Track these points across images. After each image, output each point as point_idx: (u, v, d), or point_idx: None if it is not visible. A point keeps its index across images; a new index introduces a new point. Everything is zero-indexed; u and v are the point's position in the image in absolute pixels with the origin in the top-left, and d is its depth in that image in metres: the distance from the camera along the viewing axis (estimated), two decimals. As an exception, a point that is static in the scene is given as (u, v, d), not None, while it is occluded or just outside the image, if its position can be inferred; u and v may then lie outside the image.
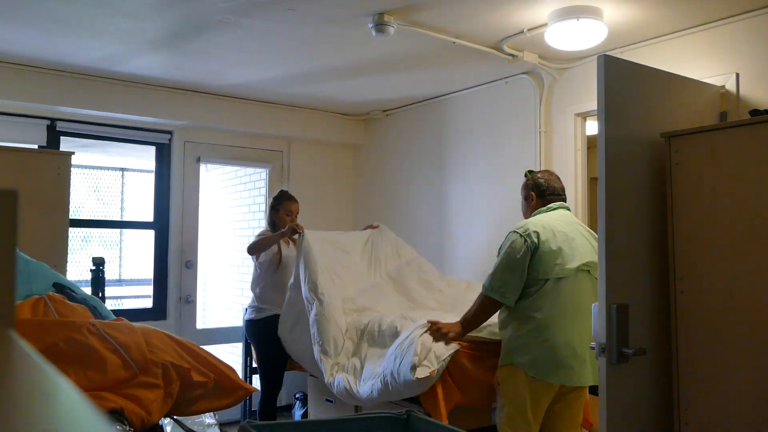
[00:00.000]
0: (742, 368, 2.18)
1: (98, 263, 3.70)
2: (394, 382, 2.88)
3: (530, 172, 3.07)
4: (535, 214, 2.92)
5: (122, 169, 6.78)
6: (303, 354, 3.55)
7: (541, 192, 2.98)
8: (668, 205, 2.39)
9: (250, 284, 4.00)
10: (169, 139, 4.70)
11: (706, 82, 2.86)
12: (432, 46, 3.43)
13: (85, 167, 6.37)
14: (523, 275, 2.70)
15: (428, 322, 2.95)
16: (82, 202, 6.33)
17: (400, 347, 2.93)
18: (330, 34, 3.28)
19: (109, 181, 6.70)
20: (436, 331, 2.88)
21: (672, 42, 3.21)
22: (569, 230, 2.82)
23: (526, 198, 3.03)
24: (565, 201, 3.02)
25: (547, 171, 3.10)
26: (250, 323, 3.91)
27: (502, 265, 2.73)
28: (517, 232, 2.74)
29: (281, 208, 3.82)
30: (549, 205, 2.94)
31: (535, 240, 2.71)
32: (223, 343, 4.89)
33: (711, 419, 2.25)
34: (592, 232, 2.96)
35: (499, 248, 2.82)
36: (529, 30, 3.18)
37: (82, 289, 2.58)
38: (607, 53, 2.98)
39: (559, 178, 3.05)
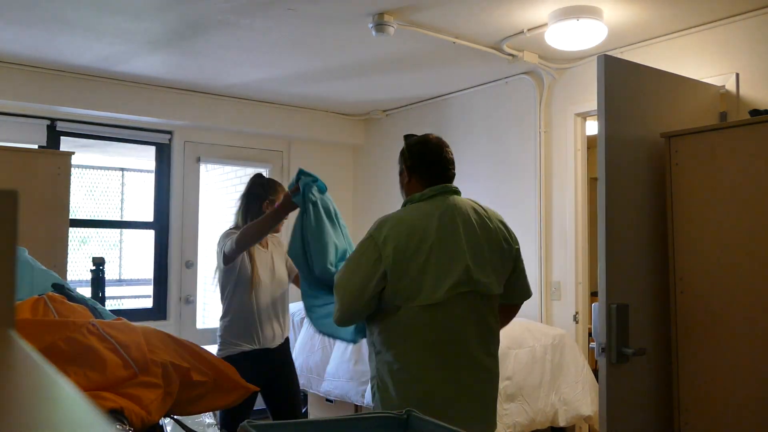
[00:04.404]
0: (742, 368, 2.18)
1: (98, 263, 3.70)
2: None
3: (407, 136, 2.16)
4: (407, 203, 2.05)
5: (122, 169, 6.78)
6: None
7: (413, 167, 2.05)
8: (668, 205, 2.39)
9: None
10: (169, 139, 4.70)
11: (706, 82, 2.86)
12: (432, 46, 3.42)
13: (85, 167, 6.37)
14: (366, 295, 1.91)
15: None
16: (81, 202, 6.33)
17: None
18: (330, 34, 3.28)
19: (108, 181, 6.70)
20: None
21: (672, 42, 3.21)
22: (450, 230, 1.94)
23: (400, 173, 2.11)
24: (451, 180, 2.07)
25: (427, 135, 2.13)
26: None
27: (342, 278, 1.97)
28: (372, 238, 1.93)
29: (276, 198, 2.94)
30: (425, 191, 2.00)
31: (389, 251, 1.88)
32: (223, 343, 4.89)
33: (711, 419, 2.25)
34: (497, 223, 2.04)
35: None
36: (529, 30, 3.18)
37: (82, 290, 2.58)
38: (607, 53, 2.98)
39: (445, 148, 2.09)
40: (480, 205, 2.08)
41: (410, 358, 1.94)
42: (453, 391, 1.94)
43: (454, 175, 2.08)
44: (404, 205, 2.05)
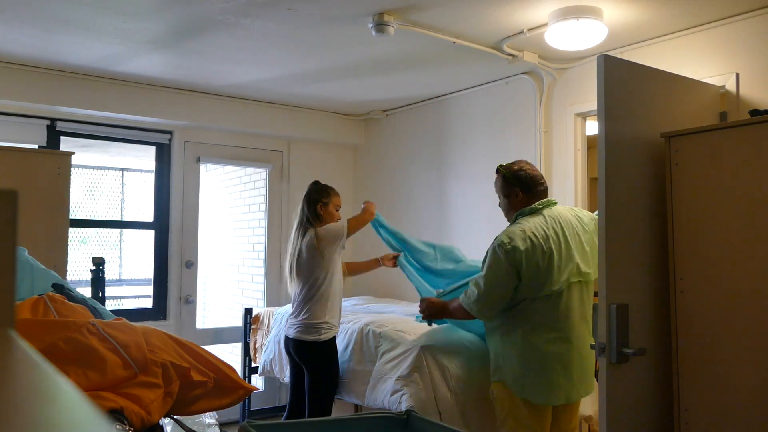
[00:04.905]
0: (742, 368, 2.18)
1: (98, 263, 3.70)
2: None
3: (502, 166, 2.72)
4: (518, 216, 2.63)
5: (122, 169, 6.78)
6: None
7: (526, 186, 2.64)
8: (668, 205, 2.39)
9: (312, 295, 3.22)
10: (169, 139, 4.70)
11: (706, 82, 2.86)
12: (432, 46, 3.42)
13: (85, 167, 6.37)
14: (505, 295, 2.53)
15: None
16: (81, 202, 6.33)
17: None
18: (330, 34, 3.28)
19: (108, 181, 6.70)
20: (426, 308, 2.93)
21: (672, 42, 3.21)
22: (560, 234, 2.56)
23: (508, 195, 2.68)
24: (547, 194, 2.72)
25: (522, 161, 2.74)
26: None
27: (484, 282, 2.54)
28: (503, 248, 2.49)
29: (330, 203, 3.34)
30: (533, 206, 2.62)
31: (520, 258, 2.46)
32: (223, 343, 4.89)
33: (711, 419, 2.25)
34: (591, 218, 2.72)
35: (483, 259, 2.61)
36: (529, 30, 3.18)
37: (82, 290, 2.58)
38: (607, 53, 2.98)
39: (534, 166, 2.75)
40: (575, 210, 2.74)
41: (533, 336, 2.52)
42: (565, 360, 2.53)
43: (547, 188, 2.71)
44: (515, 219, 2.63)
